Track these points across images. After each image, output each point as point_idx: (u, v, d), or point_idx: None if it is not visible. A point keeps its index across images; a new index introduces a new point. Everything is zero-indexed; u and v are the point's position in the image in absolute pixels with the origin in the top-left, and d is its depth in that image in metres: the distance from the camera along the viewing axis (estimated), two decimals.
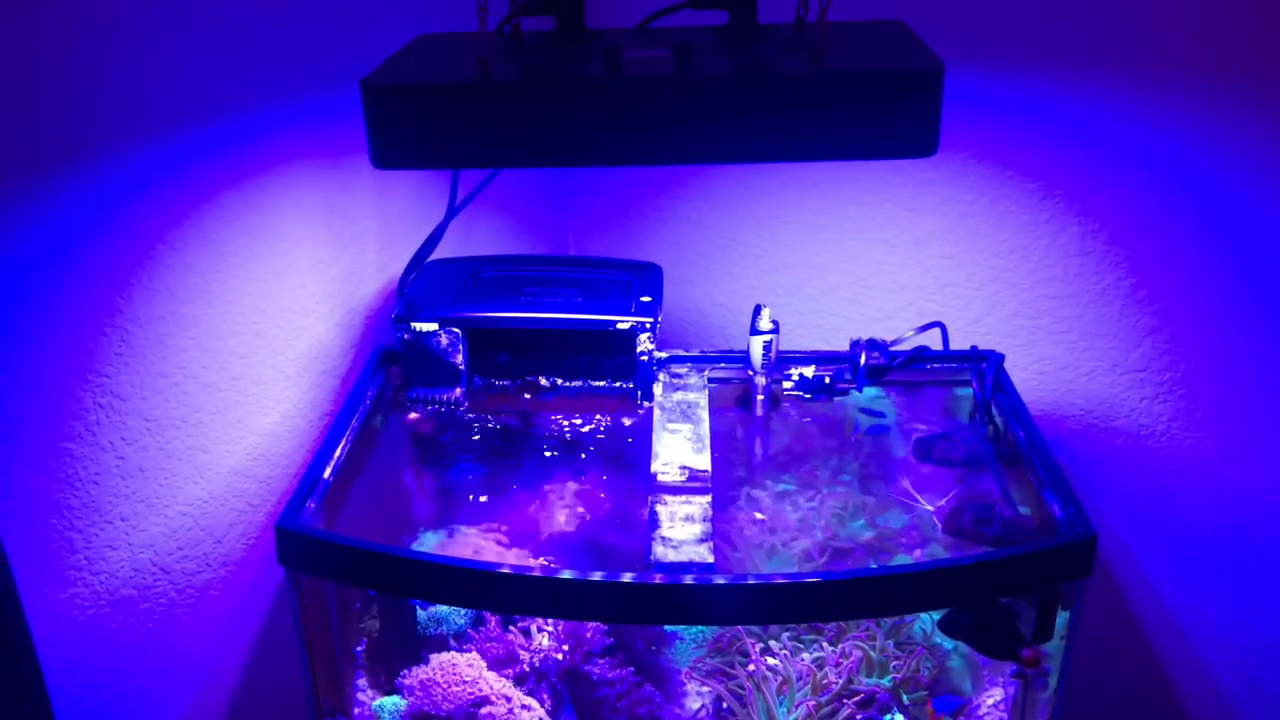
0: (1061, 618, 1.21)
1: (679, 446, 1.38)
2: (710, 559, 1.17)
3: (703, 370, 1.56)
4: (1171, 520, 1.72)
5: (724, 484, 1.39)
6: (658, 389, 1.51)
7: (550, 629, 1.41)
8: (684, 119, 0.96)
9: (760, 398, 1.52)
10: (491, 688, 1.34)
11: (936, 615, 1.30)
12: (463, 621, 1.43)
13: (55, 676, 1.10)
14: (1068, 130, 1.58)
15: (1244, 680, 1.75)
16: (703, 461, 1.34)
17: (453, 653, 1.38)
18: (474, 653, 1.39)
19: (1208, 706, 1.78)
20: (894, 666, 1.34)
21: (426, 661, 1.37)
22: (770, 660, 1.34)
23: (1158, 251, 1.60)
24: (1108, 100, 1.54)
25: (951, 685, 1.39)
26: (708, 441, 1.39)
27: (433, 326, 1.48)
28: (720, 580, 1.12)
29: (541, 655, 1.38)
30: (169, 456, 1.22)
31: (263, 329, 1.35)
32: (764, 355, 1.48)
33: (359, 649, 1.41)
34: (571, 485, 1.40)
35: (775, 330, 1.48)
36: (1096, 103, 1.55)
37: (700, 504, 1.27)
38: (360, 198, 1.51)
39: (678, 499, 1.28)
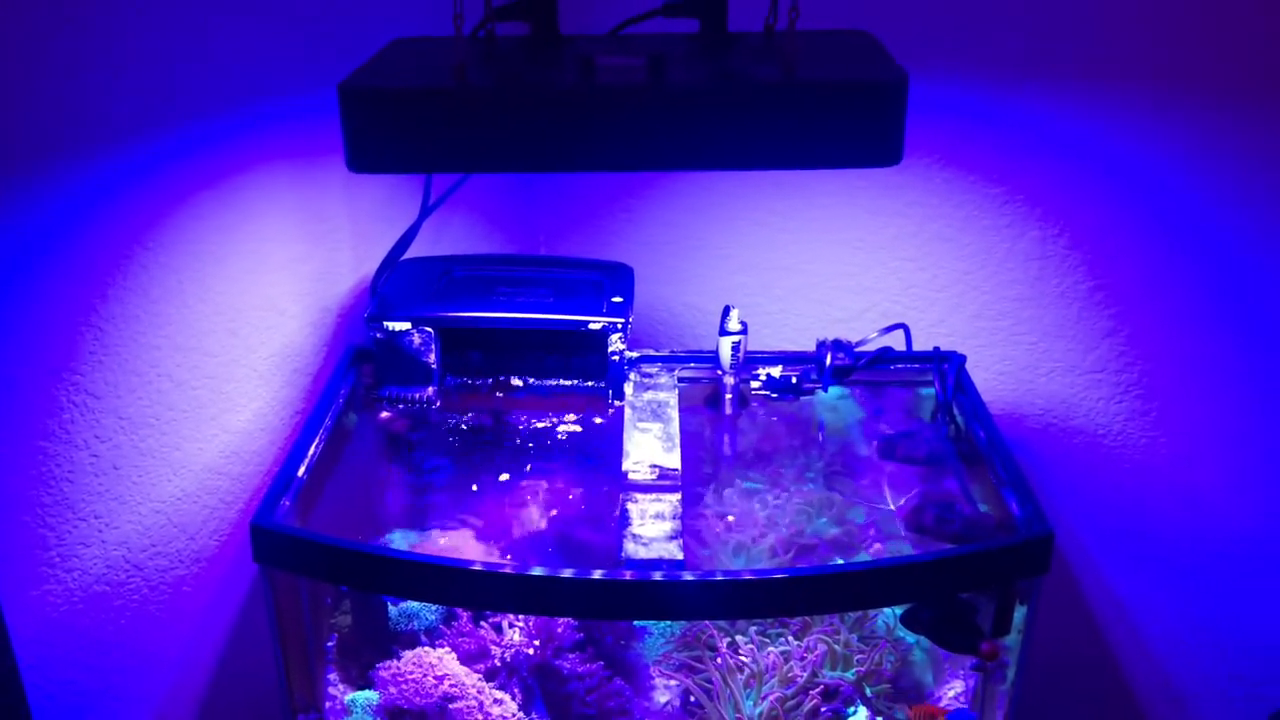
0: (1019, 612, 1.25)
1: (649, 445, 1.40)
2: (679, 556, 1.19)
3: (673, 370, 1.58)
4: (1127, 517, 1.76)
5: (693, 482, 1.41)
6: (628, 388, 1.54)
7: (521, 624, 1.42)
8: (655, 128, 0.98)
9: (729, 397, 1.54)
10: (463, 682, 1.35)
11: (899, 610, 1.33)
12: (434, 617, 1.44)
13: (29, 673, 1.10)
14: (1029, 137, 1.61)
15: (1194, 672, 1.79)
16: (673, 460, 1.36)
17: (425, 648, 1.40)
18: (446, 648, 1.40)
19: (1158, 697, 1.83)
20: (857, 660, 1.37)
21: (398, 656, 1.38)
22: (740, 655, 1.36)
23: (1116, 256, 1.64)
24: (1068, 108, 1.58)
25: (914, 678, 1.43)
26: (677, 440, 1.41)
27: (405, 326, 1.49)
28: (689, 576, 1.14)
29: (513, 650, 1.40)
30: (142, 454, 1.23)
31: (236, 328, 1.36)
32: (732, 355, 1.51)
33: (330, 644, 1.42)
34: (543, 483, 1.42)
35: (743, 331, 1.50)
36: (1057, 111, 1.58)
37: (670, 502, 1.29)
38: (334, 198, 1.52)
39: (648, 497, 1.30)
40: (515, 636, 1.41)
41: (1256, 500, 1.68)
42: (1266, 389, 1.63)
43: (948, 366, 1.54)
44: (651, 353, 1.61)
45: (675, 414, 1.47)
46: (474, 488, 1.43)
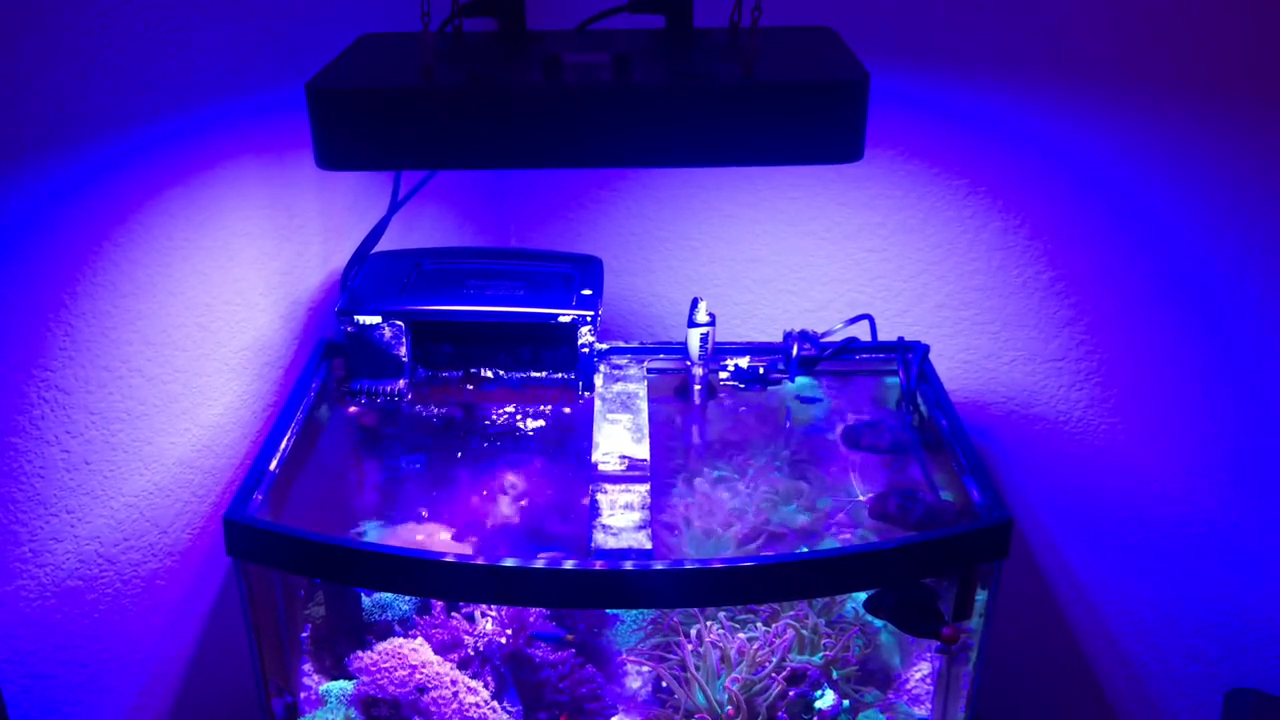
0: (981, 596, 1.28)
1: (619, 436, 1.41)
2: (648, 545, 1.21)
3: (642, 361, 1.60)
4: (1087, 501, 1.79)
5: (662, 472, 1.43)
6: (598, 380, 1.55)
7: (494, 614, 1.44)
8: (621, 127, 1.00)
9: (697, 388, 1.56)
10: (437, 672, 1.37)
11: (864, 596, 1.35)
12: (407, 608, 1.46)
13: (3, 668, 1.11)
14: (991, 131, 1.64)
15: (1151, 651, 1.84)
16: (642, 451, 1.38)
17: (398, 638, 1.41)
18: (419, 638, 1.42)
19: (1118, 676, 1.87)
20: (824, 645, 1.40)
21: (371, 647, 1.40)
22: (711, 639, 1.39)
23: (1075, 247, 1.67)
24: (1029, 104, 1.60)
25: (882, 661, 1.45)
26: (647, 431, 1.42)
27: (376, 319, 1.49)
28: (658, 566, 1.16)
29: (485, 639, 1.42)
30: (114, 449, 1.23)
31: (207, 322, 1.36)
32: (701, 347, 1.53)
33: (304, 635, 1.43)
34: (514, 475, 1.43)
35: (712, 322, 1.52)
36: (1019, 106, 1.61)
37: (639, 492, 1.31)
38: (303, 192, 1.52)
39: (617, 487, 1.32)
40: (487, 626, 1.43)
41: (1212, 484, 1.72)
42: (1221, 376, 1.67)
43: (911, 356, 1.57)
44: (621, 344, 1.63)
45: (644, 405, 1.49)
46: (445, 479, 1.44)
